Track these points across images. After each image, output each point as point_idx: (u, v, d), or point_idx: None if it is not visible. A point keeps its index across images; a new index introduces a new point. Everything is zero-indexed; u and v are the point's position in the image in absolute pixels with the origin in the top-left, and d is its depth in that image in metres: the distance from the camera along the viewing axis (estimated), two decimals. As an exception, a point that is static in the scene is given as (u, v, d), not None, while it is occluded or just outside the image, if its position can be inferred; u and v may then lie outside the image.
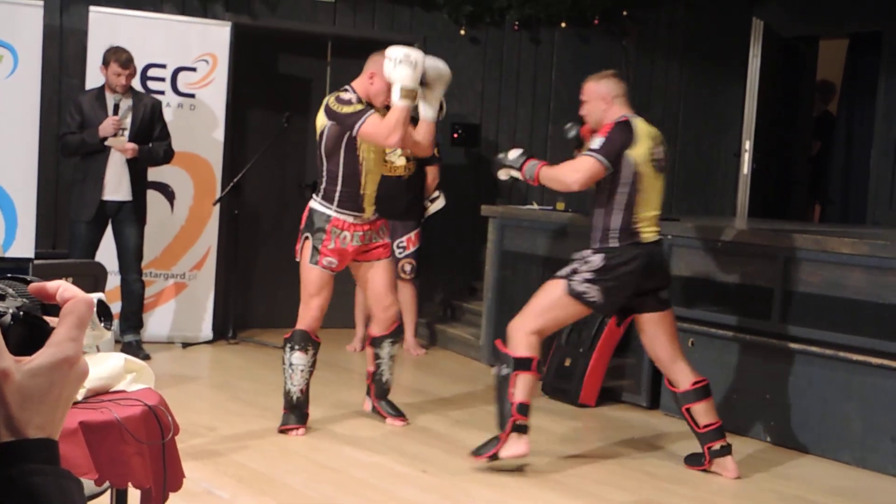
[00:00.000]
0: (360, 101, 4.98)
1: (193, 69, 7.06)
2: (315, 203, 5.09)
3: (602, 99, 4.70)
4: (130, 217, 6.45)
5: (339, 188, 5.03)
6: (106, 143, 6.30)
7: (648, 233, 4.64)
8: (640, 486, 4.61)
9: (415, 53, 4.85)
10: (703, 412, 4.72)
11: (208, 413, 5.43)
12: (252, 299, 7.90)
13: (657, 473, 4.79)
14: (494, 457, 4.58)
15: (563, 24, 8.48)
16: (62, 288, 0.87)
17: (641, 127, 4.65)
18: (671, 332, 4.73)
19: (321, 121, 5.06)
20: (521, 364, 4.55)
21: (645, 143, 4.60)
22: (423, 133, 5.06)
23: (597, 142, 4.58)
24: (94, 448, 2.40)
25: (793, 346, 5.31)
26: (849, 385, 5.10)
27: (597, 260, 4.57)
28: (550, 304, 4.60)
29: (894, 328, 4.95)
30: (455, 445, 5.04)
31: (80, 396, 2.53)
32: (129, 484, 2.58)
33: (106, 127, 6.27)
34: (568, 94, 7.92)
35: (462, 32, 8.25)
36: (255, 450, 4.76)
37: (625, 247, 4.58)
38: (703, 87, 9.12)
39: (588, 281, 4.55)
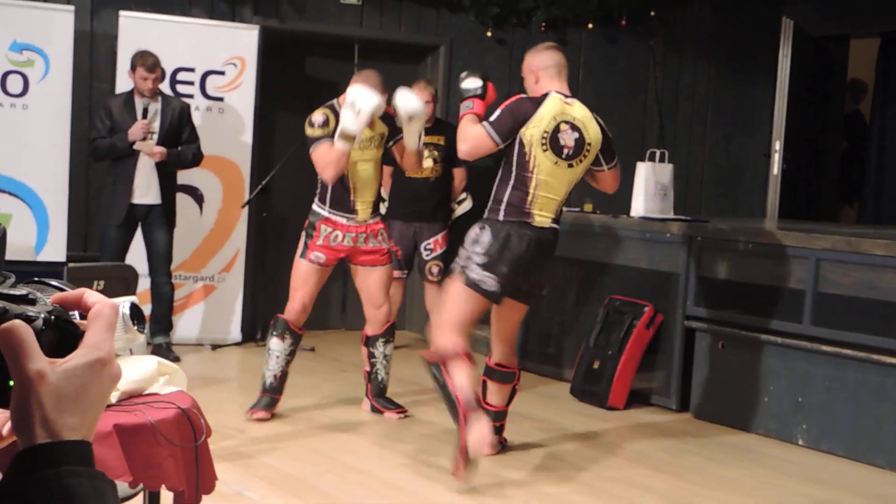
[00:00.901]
0: (327, 123, 5.14)
1: (222, 73, 7.10)
2: (314, 203, 5.35)
3: (531, 72, 4.59)
4: (160, 220, 6.48)
5: (329, 191, 5.26)
6: (135, 147, 6.33)
7: (541, 216, 4.52)
8: (670, 489, 4.58)
9: (363, 100, 4.95)
10: (494, 392, 4.80)
11: (238, 415, 5.45)
12: (280, 301, 7.88)
13: (687, 477, 4.76)
14: (465, 451, 4.25)
15: (590, 25, 8.45)
16: (86, 294, 0.88)
17: (551, 106, 4.47)
18: (516, 322, 4.79)
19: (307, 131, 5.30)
20: (445, 356, 4.41)
21: (544, 123, 4.44)
22: (409, 163, 5.38)
23: (494, 113, 4.49)
24: (127, 450, 2.41)
25: (825, 348, 5.26)
26: (882, 388, 5.05)
27: (485, 237, 4.47)
28: (455, 300, 4.52)
29: (928, 330, 4.89)
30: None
31: (113, 399, 2.55)
32: (163, 486, 2.59)
33: (135, 131, 6.30)
34: (595, 95, 7.89)
35: (489, 34, 8.23)
36: (285, 452, 4.77)
37: (511, 223, 4.48)
38: (731, 88, 9.06)
39: (483, 267, 4.45)
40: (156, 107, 6.44)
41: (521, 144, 4.45)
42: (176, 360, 6.22)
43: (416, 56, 8.28)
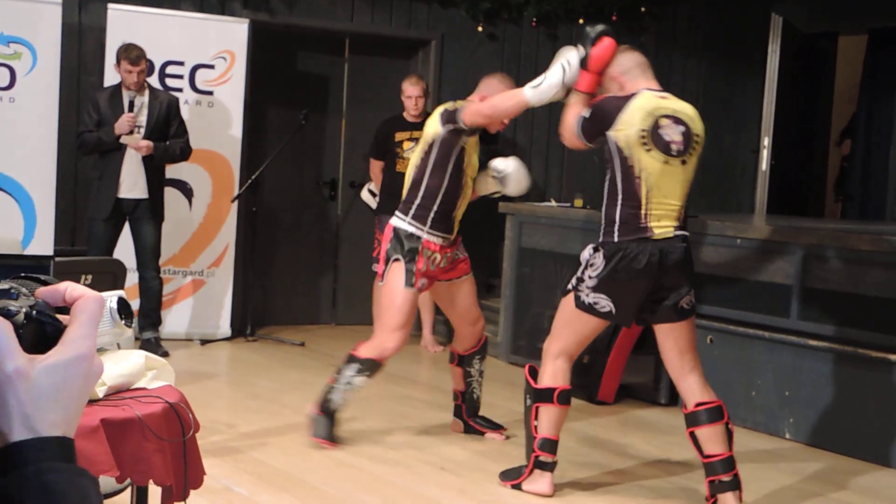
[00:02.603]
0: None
1: (211, 66, 7.08)
2: (403, 223, 4.72)
3: (612, 79, 4.17)
4: (147, 215, 6.45)
5: (434, 206, 4.68)
6: (121, 140, 6.29)
7: (661, 227, 4.03)
8: (659, 483, 4.60)
9: (570, 55, 4.33)
10: (709, 438, 4.10)
11: (227, 410, 5.45)
12: (270, 296, 7.92)
13: (676, 471, 4.77)
14: (517, 486, 4.31)
15: (581, 21, 8.45)
16: (70, 288, 0.88)
17: (643, 102, 4.02)
18: (683, 346, 4.13)
19: (433, 128, 4.71)
20: (541, 395, 4.22)
21: (638, 121, 3.97)
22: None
23: (588, 110, 4.12)
24: (115, 445, 2.41)
25: (811, 342, 5.28)
26: (868, 382, 5.08)
27: (599, 260, 4.07)
28: (565, 321, 4.21)
29: (915, 325, 4.92)
30: (474, 442, 5.04)
31: (101, 394, 2.54)
32: (151, 481, 2.59)
33: (121, 124, 6.26)
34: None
35: (479, 29, 8.24)
36: (274, 447, 4.77)
37: (627, 242, 4.02)
38: (721, 84, 9.08)
39: (594, 289, 4.08)
40: (143, 100, 6.41)
41: (619, 150, 3.99)
42: (165, 355, 6.20)
43: (407, 51, 8.28)
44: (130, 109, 6.31)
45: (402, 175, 6.97)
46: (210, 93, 7.09)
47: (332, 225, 8.20)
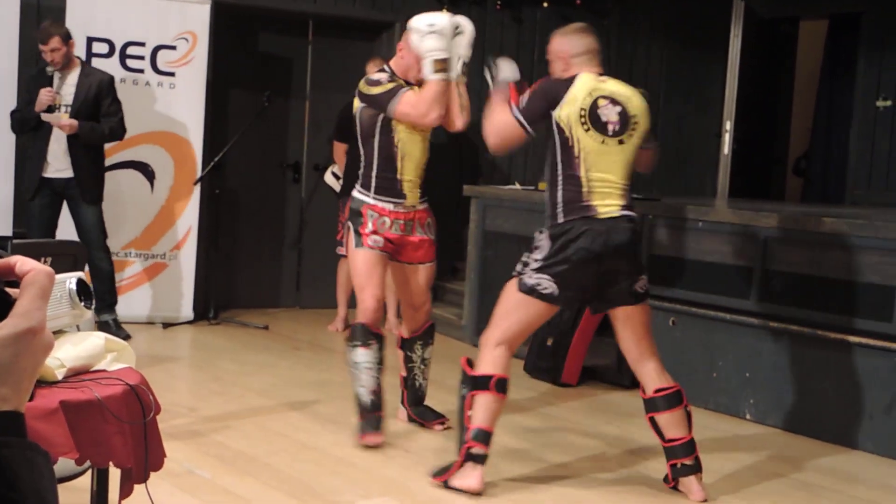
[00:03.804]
0: (392, 78, 4.64)
1: (173, 48, 7.01)
2: (355, 191, 4.77)
3: (560, 58, 4.12)
4: (78, 194, 6.29)
5: (374, 175, 4.69)
6: (43, 118, 6.12)
7: (605, 206, 3.98)
8: (621, 464, 4.64)
9: (440, 20, 4.48)
10: (669, 423, 4.10)
11: (189, 393, 5.43)
12: (233, 279, 7.88)
13: (639, 452, 4.81)
14: (445, 483, 4.09)
15: (546, 4, 8.46)
16: (20, 261, 0.86)
17: (585, 83, 4.00)
18: (640, 332, 4.11)
19: (355, 104, 4.76)
20: (477, 383, 4.04)
21: (580, 101, 3.97)
22: (446, 99, 4.64)
23: (522, 98, 4.03)
24: (74, 427, 2.39)
25: (772, 324, 5.34)
26: (827, 363, 5.14)
27: (545, 243, 4.00)
28: (508, 308, 4.07)
29: (871, 307, 4.98)
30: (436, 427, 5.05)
31: (60, 376, 2.52)
32: (111, 463, 2.57)
33: (40, 100, 6.09)
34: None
35: (444, 11, 8.20)
36: (237, 430, 4.76)
37: (573, 222, 3.95)
38: (684, 68, 9.13)
39: (538, 271, 3.97)
40: (72, 78, 6.24)
41: (561, 130, 3.97)
42: (126, 338, 6.15)
43: (371, 33, 8.24)
44: (51, 85, 6.16)
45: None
46: (172, 74, 7.03)
47: (295, 208, 8.17)
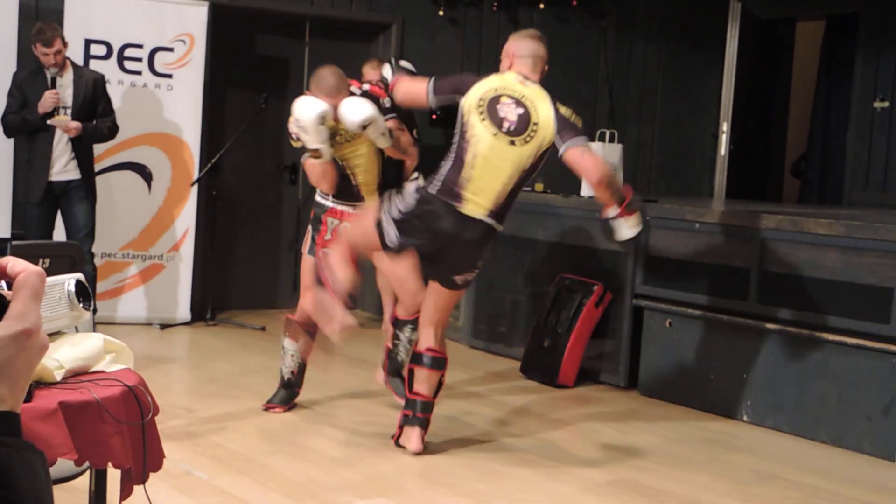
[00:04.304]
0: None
1: (171, 49, 7.02)
2: (317, 196, 5.09)
3: (507, 55, 4.42)
4: (80, 195, 6.24)
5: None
6: (50, 122, 6.08)
7: (474, 204, 4.23)
8: (617, 465, 4.64)
9: (304, 115, 4.65)
10: (422, 380, 4.55)
11: (186, 394, 5.43)
12: (230, 280, 7.89)
13: (636, 453, 4.82)
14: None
15: (542, 6, 8.47)
16: (11, 263, 0.86)
17: (497, 80, 4.33)
18: (441, 305, 4.54)
19: None
20: (331, 268, 4.37)
21: (482, 91, 4.27)
22: (399, 154, 5.08)
23: (448, 77, 4.53)
24: (73, 428, 2.40)
25: (769, 326, 5.35)
26: (824, 365, 5.15)
27: (410, 200, 4.26)
28: (355, 226, 4.51)
29: (869, 308, 4.99)
30: (433, 424, 5.06)
31: (59, 377, 2.52)
32: (109, 464, 2.58)
33: (44, 102, 6.04)
34: (546, 75, 7.90)
35: (441, 13, 8.22)
36: (234, 431, 4.76)
37: (440, 201, 4.23)
38: (680, 69, 9.14)
39: (394, 221, 4.25)
40: (68, 79, 6.19)
41: (462, 115, 4.28)
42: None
43: (368, 34, 8.25)
44: (53, 86, 6.10)
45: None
46: (169, 76, 7.03)
47: (292, 209, 8.17)
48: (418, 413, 4.56)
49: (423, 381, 4.57)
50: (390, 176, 7.22)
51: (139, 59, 6.95)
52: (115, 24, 6.75)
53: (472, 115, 4.24)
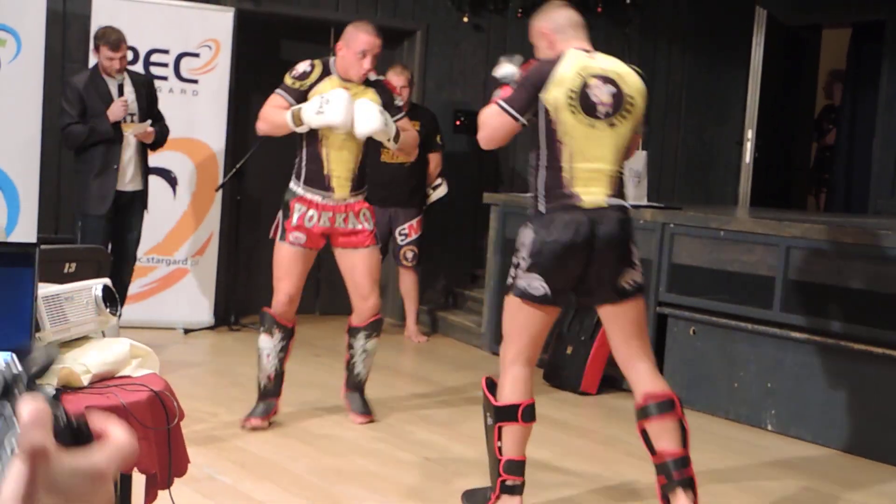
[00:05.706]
0: (305, 76, 4.85)
1: (196, 55, 7.06)
2: (290, 182, 4.91)
3: (543, 36, 3.81)
4: (139, 206, 6.22)
5: (304, 167, 4.85)
6: (127, 132, 5.99)
7: (589, 194, 3.64)
8: (641, 473, 4.62)
9: (333, 110, 4.59)
10: (659, 433, 3.71)
11: (210, 399, 5.45)
12: (254, 285, 7.90)
13: (658, 461, 4.79)
14: None
15: (567, 12, 8.45)
16: (111, 424, 0.84)
17: (573, 61, 3.66)
18: (629, 331, 3.73)
19: None
20: (503, 414, 3.75)
21: (568, 81, 3.62)
22: (403, 155, 5.26)
23: (510, 89, 3.73)
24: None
25: (794, 334, 5.31)
26: (849, 374, 5.12)
27: (528, 238, 3.66)
28: (510, 320, 3.78)
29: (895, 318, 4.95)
30: (457, 432, 5.06)
31: (85, 382, 2.54)
32: (135, 469, 2.59)
33: (116, 111, 5.96)
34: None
35: (465, 20, 8.23)
36: (257, 436, 4.77)
37: (555, 212, 3.64)
38: (705, 76, 9.10)
39: (528, 270, 3.65)
40: (127, 85, 6.15)
41: (547, 112, 3.63)
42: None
43: (392, 41, 8.26)
44: (121, 94, 6.05)
45: (386, 165, 7.02)
46: (195, 81, 7.07)
47: (316, 214, 8.19)
48: (674, 474, 3.69)
49: (661, 436, 3.72)
50: (417, 180, 7.24)
51: (165, 65, 6.99)
52: (142, 30, 6.79)
53: (562, 111, 3.62)
